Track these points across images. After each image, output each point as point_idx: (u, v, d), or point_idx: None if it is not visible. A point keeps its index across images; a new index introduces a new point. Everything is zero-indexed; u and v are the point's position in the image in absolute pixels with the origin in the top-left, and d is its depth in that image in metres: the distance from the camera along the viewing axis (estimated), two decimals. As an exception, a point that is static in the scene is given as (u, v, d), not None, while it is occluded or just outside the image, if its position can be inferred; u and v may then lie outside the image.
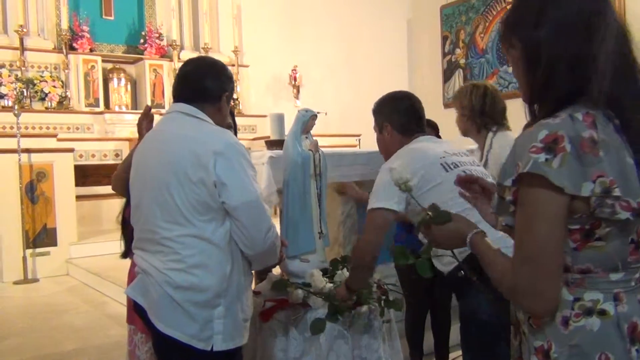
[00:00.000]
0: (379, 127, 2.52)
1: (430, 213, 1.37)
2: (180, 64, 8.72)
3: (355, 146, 8.67)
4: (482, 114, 2.93)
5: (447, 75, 10.66)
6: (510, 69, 8.93)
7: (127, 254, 2.40)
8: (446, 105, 10.61)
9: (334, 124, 8.59)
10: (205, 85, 2.00)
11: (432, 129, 3.39)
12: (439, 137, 3.34)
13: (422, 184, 2.21)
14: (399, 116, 2.45)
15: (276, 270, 2.90)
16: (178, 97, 2.04)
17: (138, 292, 1.95)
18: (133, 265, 2.32)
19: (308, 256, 2.69)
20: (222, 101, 2.06)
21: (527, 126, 1.21)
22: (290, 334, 2.46)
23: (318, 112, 2.71)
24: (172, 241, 1.86)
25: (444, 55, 10.71)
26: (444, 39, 10.69)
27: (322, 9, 10.16)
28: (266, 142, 3.38)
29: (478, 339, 2.26)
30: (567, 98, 1.15)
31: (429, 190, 2.20)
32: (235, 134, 2.63)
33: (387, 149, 2.49)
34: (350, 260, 2.58)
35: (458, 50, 10.45)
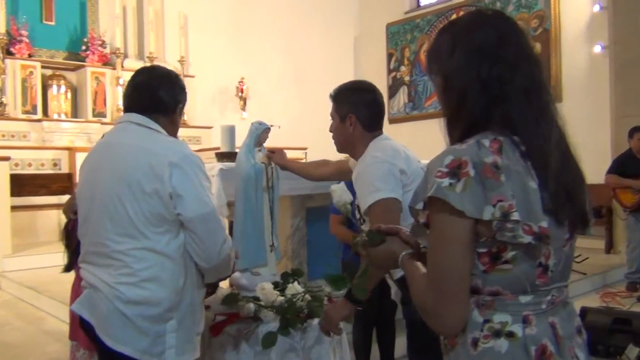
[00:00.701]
0: (341, 116, 2.32)
1: (365, 235, 1.40)
2: (123, 73, 8.61)
3: (302, 159, 8.70)
4: None
5: (392, 91, 10.89)
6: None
7: (70, 267, 2.33)
8: (391, 120, 10.82)
9: (281, 137, 8.56)
10: (160, 96, 1.97)
11: None
12: None
13: (410, 181, 2.15)
14: (367, 109, 2.30)
15: (224, 284, 2.87)
16: (130, 107, 2.00)
17: (85, 307, 1.89)
18: (78, 279, 2.24)
19: (259, 269, 2.68)
20: (176, 113, 2.04)
21: None
22: (241, 348, 2.43)
23: (272, 125, 2.72)
24: (123, 254, 1.82)
25: (389, 71, 10.94)
26: (390, 56, 10.92)
27: (270, 22, 10.19)
28: (216, 154, 3.35)
29: (423, 343, 2.28)
30: (477, 124, 1.18)
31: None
32: None
33: (346, 140, 2.34)
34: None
35: (403, 68, 10.70)
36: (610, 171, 5.90)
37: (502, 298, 1.16)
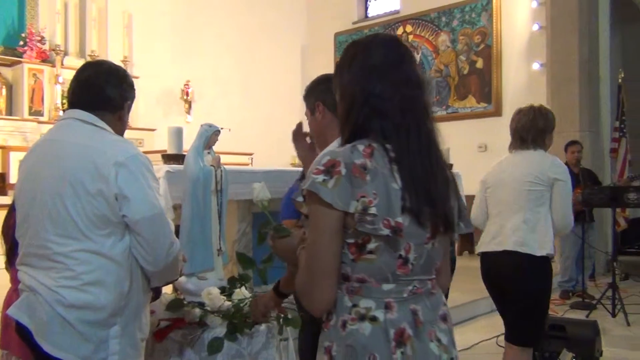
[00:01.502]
0: (311, 110, 2.26)
1: (273, 228, 1.57)
2: (63, 70, 8.32)
3: (247, 164, 8.63)
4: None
5: (338, 99, 10.97)
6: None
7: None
8: (336, 129, 10.91)
9: (226, 143, 8.48)
10: (107, 93, 1.91)
11: None
12: None
13: None
14: (332, 94, 2.23)
15: (168, 289, 2.80)
16: (75, 103, 1.92)
17: (23, 312, 1.80)
18: (14, 283, 2.14)
19: (206, 274, 2.63)
20: (123, 110, 1.98)
21: None
22: (186, 355, 2.38)
23: (221, 128, 2.69)
24: (65, 257, 1.75)
25: (336, 80, 11.02)
26: (337, 64, 11.01)
27: (218, 26, 10.08)
28: (163, 156, 3.28)
29: None
30: (360, 131, 1.37)
31: None
32: None
33: (320, 131, 2.26)
34: None
35: (349, 77, 10.80)
36: (546, 183, 6.14)
37: (368, 285, 1.33)
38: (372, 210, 1.26)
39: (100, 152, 1.78)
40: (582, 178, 5.80)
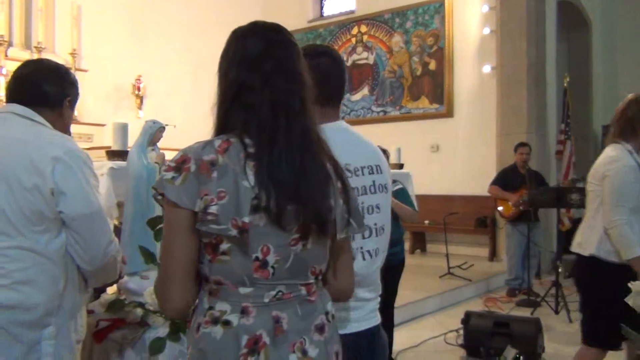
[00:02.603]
0: None
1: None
2: (7, 62, 8.02)
3: (199, 162, 8.51)
4: None
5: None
6: (352, 97, 9.45)
7: None
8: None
9: (179, 139, 8.34)
10: (45, 89, 1.86)
11: None
12: None
13: None
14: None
15: (112, 289, 2.73)
16: (12, 99, 1.87)
17: (-51, 312, 1.71)
18: None
19: (148, 273, 2.57)
20: (63, 107, 1.92)
21: None
22: (126, 355, 2.32)
23: (166, 125, 2.63)
24: (-4, 254, 1.67)
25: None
26: (292, 62, 10.99)
27: (171, 21, 9.91)
28: (107, 152, 3.19)
29: None
30: (227, 125, 1.29)
31: None
32: None
33: None
34: None
35: (304, 75, 10.80)
36: (494, 182, 6.30)
37: (225, 288, 1.24)
38: (213, 209, 1.18)
39: (37, 147, 1.72)
40: (529, 179, 5.95)
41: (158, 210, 2.59)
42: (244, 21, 1.41)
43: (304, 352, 1.27)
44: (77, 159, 1.75)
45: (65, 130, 1.92)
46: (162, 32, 9.82)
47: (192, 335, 1.28)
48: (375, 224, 1.68)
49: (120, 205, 2.88)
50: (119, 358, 2.32)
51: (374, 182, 1.68)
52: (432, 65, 8.70)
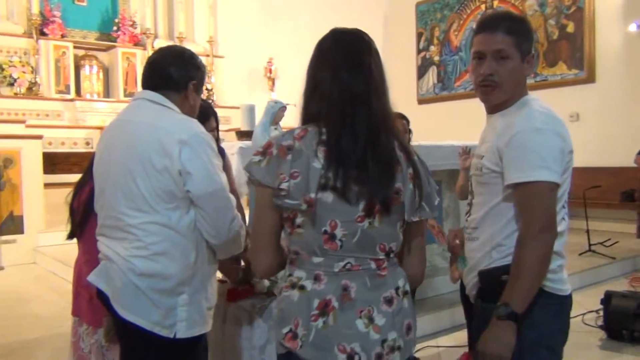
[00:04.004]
0: (523, 53, 1.75)
1: None
2: (153, 53, 8.73)
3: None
4: None
5: (422, 71, 10.76)
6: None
7: (72, 235, 2.39)
8: (420, 101, 10.71)
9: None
10: (170, 72, 1.99)
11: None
12: (410, 130, 3.40)
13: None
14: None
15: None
16: (144, 85, 2.04)
17: (101, 279, 1.94)
18: (84, 254, 2.30)
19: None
20: (188, 89, 2.05)
21: None
22: (255, 323, 2.48)
23: (287, 104, 2.74)
24: (136, 228, 1.86)
25: (419, 51, 10.80)
26: (419, 35, 10.78)
27: (298, 2, 10.14)
28: (236, 133, 3.40)
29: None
30: (306, 116, 1.48)
31: None
32: (217, 128, 2.63)
33: (515, 85, 1.77)
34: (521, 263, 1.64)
35: (432, 47, 10.55)
36: (642, 152, 5.77)
37: (301, 257, 1.45)
38: (286, 185, 1.36)
39: (166, 131, 1.86)
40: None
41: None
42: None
43: (371, 320, 1.41)
44: (201, 141, 1.88)
45: (192, 113, 2.05)
46: (291, 15, 10.09)
47: (278, 297, 1.52)
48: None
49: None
50: (249, 325, 2.49)
51: None
52: (570, 28, 8.07)
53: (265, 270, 1.54)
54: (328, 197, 1.37)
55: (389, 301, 1.44)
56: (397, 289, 1.47)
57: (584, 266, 5.57)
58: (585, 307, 4.50)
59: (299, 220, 1.40)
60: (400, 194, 1.42)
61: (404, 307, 1.47)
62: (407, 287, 1.51)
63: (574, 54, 8.04)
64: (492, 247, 1.73)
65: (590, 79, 7.86)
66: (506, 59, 1.72)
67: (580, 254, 5.97)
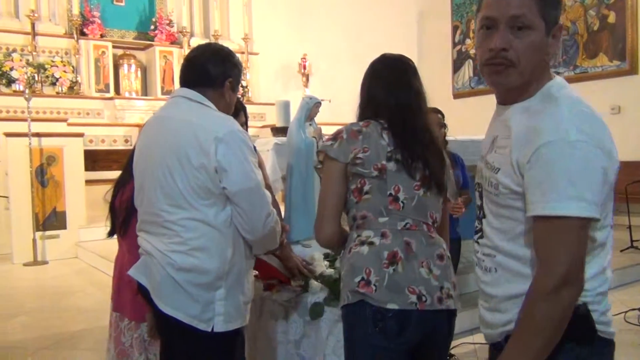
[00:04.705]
0: (549, 24, 1.31)
1: None
2: (190, 51, 8.85)
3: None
4: None
5: (457, 65, 10.63)
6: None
7: (112, 232, 2.43)
8: (455, 95, 10.59)
9: (343, 113, 8.59)
10: (208, 70, 2.02)
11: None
12: (445, 125, 3.34)
13: None
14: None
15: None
16: (182, 81, 2.08)
17: (142, 273, 1.99)
18: (127, 251, 2.35)
19: (310, 242, 2.73)
20: (225, 87, 2.07)
21: None
22: (291, 317, 2.50)
23: (322, 100, 2.74)
24: (174, 224, 1.90)
25: (454, 45, 10.67)
26: (455, 28, 10.64)
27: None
28: (271, 129, 3.41)
29: None
30: (367, 115, 1.87)
31: None
32: (246, 123, 2.65)
33: (537, 64, 1.33)
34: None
35: (468, 41, 10.40)
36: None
37: (369, 219, 1.77)
38: (360, 155, 1.75)
39: (202, 128, 1.89)
40: None
41: (317, 183, 2.73)
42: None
43: (430, 270, 1.73)
44: (237, 139, 1.90)
45: (228, 111, 2.07)
46: (324, 12, 10.09)
47: (345, 258, 1.80)
48: None
49: (284, 178, 3.06)
50: (285, 319, 2.51)
51: None
52: (612, 18, 7.85)
53: (328, 238, 1.82)
54: (393, 166, 1.75)
55: (440, 257, 1.77)
56: (444, 249, 1.80)
57: (625, 263, 5.43)
58: (628, 305, 4.39)
59: (367, 187, 1.75)
60: (445, 178, 1.86)
61: (449, 267, 1.79)
62: (448, 253, 1.81)
63: (616, 45, 7.82)
64: (517, 294, 1.31)
65: (633, 70, 7.63)
66: (526, 29, 1.28)
67: (621, 250, 5.82)
